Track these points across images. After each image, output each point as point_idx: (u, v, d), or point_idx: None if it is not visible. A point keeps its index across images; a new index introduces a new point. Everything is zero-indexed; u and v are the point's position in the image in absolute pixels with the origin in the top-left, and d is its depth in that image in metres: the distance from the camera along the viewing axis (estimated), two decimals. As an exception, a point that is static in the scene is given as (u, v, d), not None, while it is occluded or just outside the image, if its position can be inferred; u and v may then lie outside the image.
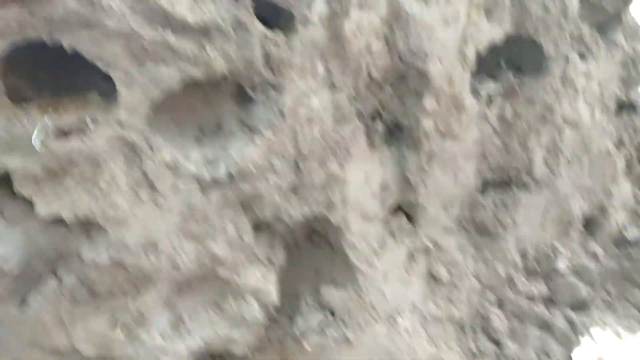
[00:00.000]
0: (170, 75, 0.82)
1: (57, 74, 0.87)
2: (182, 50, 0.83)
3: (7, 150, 0.79)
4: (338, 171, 1.23)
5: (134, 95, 0.81)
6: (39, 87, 0.88)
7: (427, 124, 1.42)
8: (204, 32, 0.87)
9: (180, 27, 0.82)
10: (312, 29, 1.11)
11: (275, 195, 1.08)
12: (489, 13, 1.61)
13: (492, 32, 1.64)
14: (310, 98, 1.13)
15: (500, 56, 1.84)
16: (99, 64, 0.77)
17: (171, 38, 0.81)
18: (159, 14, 0.79)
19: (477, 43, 1.59)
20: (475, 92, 1.69)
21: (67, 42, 0.75)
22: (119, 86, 0.80)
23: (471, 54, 1.57)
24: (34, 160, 0.80)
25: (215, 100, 1.03)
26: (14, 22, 0.69)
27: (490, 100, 1.75)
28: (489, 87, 1.78)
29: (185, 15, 0.81)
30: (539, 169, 1.83)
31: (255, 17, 1.00)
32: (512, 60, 1.91)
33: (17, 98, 0.84)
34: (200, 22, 0.85)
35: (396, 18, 1.27)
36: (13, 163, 0.80)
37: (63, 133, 0.80)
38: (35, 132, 0.78)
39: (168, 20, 0.80)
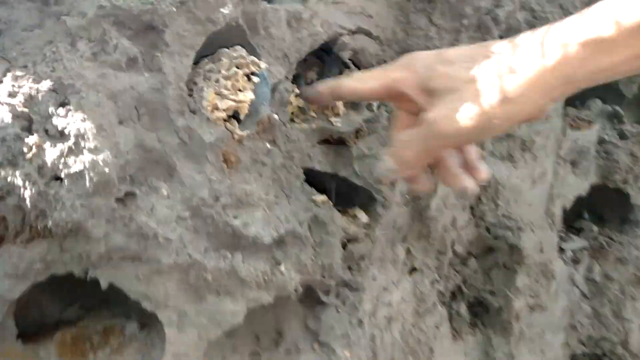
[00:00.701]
0: (235, 310, 0.61)
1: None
2: (252, 276, 0.63)
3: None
4: (421, 378, 0.99)
5: (187, 338, 0.60)
6: (60, 304, 0.68)
7: (519, 303, 1.19)
8: (278, 245, 0.68)
9: (252, 248, 0.63)
10: (395, 211, 0.92)
11: None
12: (574, 165, 1.44)
13: (578, 186, 1.45)
14: (392, 293, 0.92)
15: (582, 207, 1.64)
16: (146, 305, 0.57)
17: (240, 264, 0.61)
18: (228, 236, 0.60)
19: (564, 200, 1.39)
20: (560, 251, 1.46)
21: (106, 279, 0.55)
22: (168, 329, 0.59)
23: (558, 212, 1.37)
24: None
25: (278, 305, 0.82)
26: (40, 262, 0.50)
27: (576, 260, 1.51)
28: (574, 243, 1.55)
29: (259, 233, 0.62)
30: (636, 341, 1.55)
31: (334, 210, 0.81)
32: (595, 209, 1.70)
33: (34, 329, 0.64)
34: (276, 235, 0.66)
35: (484, 186, 1.10)
36: None
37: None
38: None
39: (239, 243, 0.61)
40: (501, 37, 1.12)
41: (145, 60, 0.56)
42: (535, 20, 1.17)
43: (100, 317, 0.68)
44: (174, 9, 0.56)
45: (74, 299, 0.68)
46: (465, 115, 0.53)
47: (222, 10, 0.60)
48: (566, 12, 1.24)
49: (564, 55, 0.49)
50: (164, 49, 0.57)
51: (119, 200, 0.54)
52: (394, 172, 0.64)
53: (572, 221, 1.66)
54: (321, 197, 0.80)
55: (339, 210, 0.89)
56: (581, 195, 1.48)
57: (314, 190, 0.82)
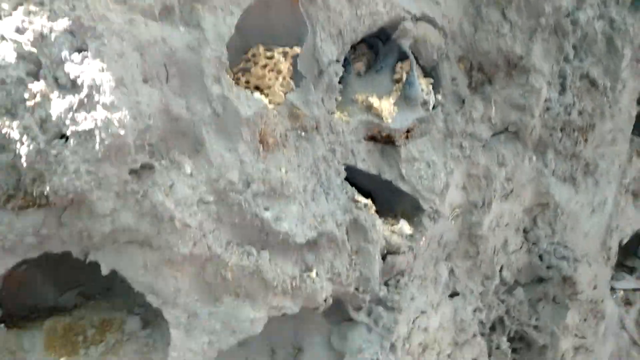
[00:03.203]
0: (255, 317, 0.52)
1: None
2: (279, 280, 0.53)
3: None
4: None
5: (194, 344, 0.50)
6: (55, 288, 0.60)
7: (566, 343, 1.05)
8: (310, 247, 0.58)
9: (282, 246, 0.53)
10: (442, 224, 0.81)
11: None
12: (637, 197, 1.30)
13: (638, 220, 1.31)
14: (430, 318, 0.81)
15: (636, 243, 1.49)
16: (151, 299, 0.48)
17: (266, 264, 0.52)
18: (256, 230, 0.51)
19: (622, 233, 1.26)
20: (611, 290, 1.32)
21: (108, 264, 0.47)
22: (174, 330, 0.50)
23: (614, 247, 1.23)
24: None
25: (301, 316, 0.72)
26: (32, 235, 0.41)
27: (628, 302, 1.37)
28: (626, 283, 1.41)
29: (292, 230, 0.52)
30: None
31: (376, 215, 0.71)
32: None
33: (24, 312, 0.56)
34: (311, 235, 0.56)
35: (542, 208, 0.98)
36: None
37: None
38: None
39: (267, 240, 0.52)
40: (574, 47, 1.00)
41: (182, 12, 0.47)
42: (613, 32, 1.05)
43: (98, 308, 0.59)
44: (223, -44, 0.47)
45: (72, 284, 0.59)
46: None
47: (277, -35, 0.51)
48: (648, 26, 1.12)
49: None
50: (207, 1, 0.48)
51: (133, 171, 0.45)
52: None
53: (624, 258, 1.52)
54: (364, 199, 0.70)
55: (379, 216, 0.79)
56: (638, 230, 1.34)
57: (354, 190, 0.72)
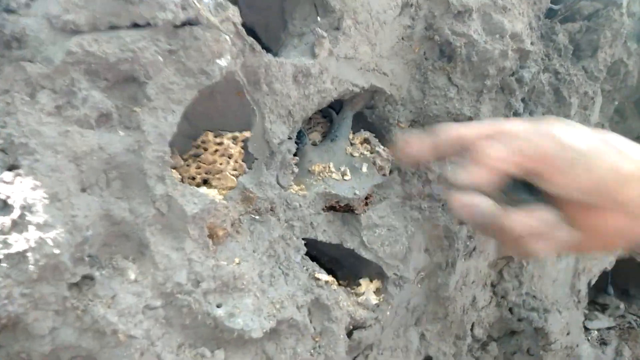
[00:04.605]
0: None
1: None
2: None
3: None
4: None
5: None
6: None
7: (544, 397, 1.04)
8: (270, 337, 0.56)
9: (238, 342, 0.51)
10: (408, 289, 0.81)
11: None
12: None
13: (604, 259, 1.33)
14: (402, 389, 0.79)
15: (605, 281, 1.51)
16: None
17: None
18: (209, 330, 0.49)
19: (589, 275, 1.27)
20: (585, 331, 1.33)
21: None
22: None
23: (584, 289, 1.25)
24: None
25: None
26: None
27: (604, 341, 1.37)
28: (599, 322, 1.42)
29: (247, 325, 0.51)
30: None
31: (339, 290, 0.70)
32: (618, 283, 1.57)
33: None
34: (269, 326, 0.54)
35: (507, 260, 0.98)
36: None
37: None
38: None
39: (222, 337, 0.50)
40: (523, 100, 1.04)
41: (121, 117, 0.47)
42: (559, 83, 1.10)
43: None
44: (160, 58, 0.48)
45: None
46: (574, 132, 0.47)
47: (218, 61, 0.52)
48: (590, 76, 1.17)
49: None
50: (145, 103, 0.48)
51: (73, 285, 0.43)
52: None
53: (594, 295, 1.53)
54: (325, 277, 0.69)
55: (342, 285, 0.78)
56: (606, 269, 1.36)
57: (316, 266, 0.71)
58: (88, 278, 0.45)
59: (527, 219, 0.50)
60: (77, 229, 0.42)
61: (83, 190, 0.44)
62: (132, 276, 0.46)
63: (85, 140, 0.44)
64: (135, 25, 0.47)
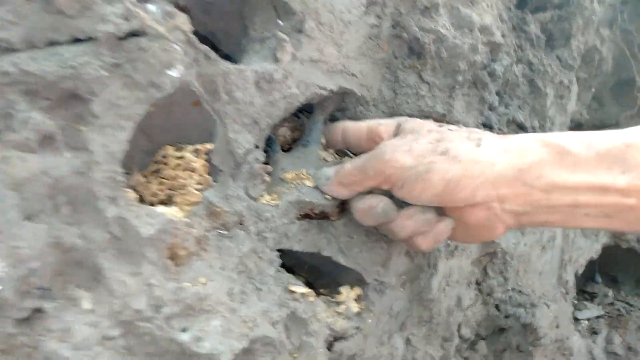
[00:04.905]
0: None
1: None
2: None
3: None
4: None
5: None
6: None
7: (537, 392, 1.03)
8: (245, 356, 0.54)
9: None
10: (390, 294, 0.79)
11: None
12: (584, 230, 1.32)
13: (589, 248, 1.33)
14: (389, 397, 0.77)
15: (592, 269, 1.51)
16: None
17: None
18: (174, 356, 0.46)
19: (576, 265, 1.27)
20: (575, 321, 1.32)
21: None
22: None
23: (571, 279, 1.24)
24: None
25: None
26: None
27: (594, 330, 1.37)
28: (588, 312, 1.41)
29: (216, 349, 0.48)
30: (670, 422, 1.37)
31: (317, 301, 0.67)
32: (607, 271, 1.57)
33: None
34: (240, 347, 0.52)
35: (490, 256, 0.97)
36: None
37: None
38: None
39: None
40: (498, 93, 1.03)
41: (66, 138, 0.44)
42: (533, 74, 1.09)
43: None
44: (105, 73, 0.45)
45: None
46: (405, 149, 0.55)
47: (168, 72, 0.49)
48: (565, 65, 1.16)
49: (527, 152, 0.53)
50: (92, 121, 0.45)
51: (21, 321, 0.41)
52: (329, 182, 0.66)
53: (582, 284, 1.53)
54: (301, 289, 0.66)
55: (321, 294, 0.75)
56: (592, 257, 1.35)
57: (291, 278, 0.69)
58: (38, 311, 0.42)
59: (408, 222, 0.61)
60: (21, 260, 0.40)
61: (27, 218, 0.42)
62: (88, 306, 0.44)
63: (26, 165, 0.42)
64: (77, 40, 0.45)
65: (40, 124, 0.43)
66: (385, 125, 0.64)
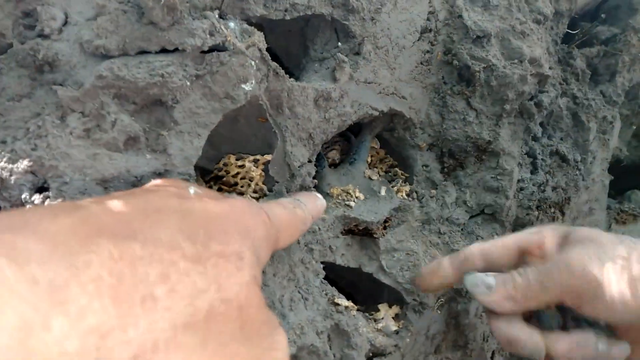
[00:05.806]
0: None
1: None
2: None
3: None
4: None
5: None
6: None
7: None
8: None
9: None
10: (428, 316, 0.79)
11: None
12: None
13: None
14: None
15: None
16: None
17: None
18: None
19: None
20: None
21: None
22: None
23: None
24: None
25: None
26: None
27: None
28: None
29: None
30: None
31: (359, 315, 0.69)
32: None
33: None
34: (290, 352, 0.53)
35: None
36: None
37: None
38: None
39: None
40: (542, 124, 1.03)
41: (148, 140, 0.47)
42: (577, 107, 1.10)
43: None
44: (188, 83, 0.48)
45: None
46: (596, 262, 0.50)
47: (243, 86, 0.52)
48: (608, 100, 1.17)
49: None
50: (172, 127, 0.48)
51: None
52: (491, 291, 0.56)
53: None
54: (344, 302, 0.68)
55: (360, 310, 0.77)
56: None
57: (335, 291, 0.71)
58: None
59: (567, 345, 0.53)
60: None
61: (109, 212, 0.44)
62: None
63: (113, 163, 0.45)
64: (164, 51, 0.48)
65: (127, 126, 0.46)
66: (548, 236, 0.59)
